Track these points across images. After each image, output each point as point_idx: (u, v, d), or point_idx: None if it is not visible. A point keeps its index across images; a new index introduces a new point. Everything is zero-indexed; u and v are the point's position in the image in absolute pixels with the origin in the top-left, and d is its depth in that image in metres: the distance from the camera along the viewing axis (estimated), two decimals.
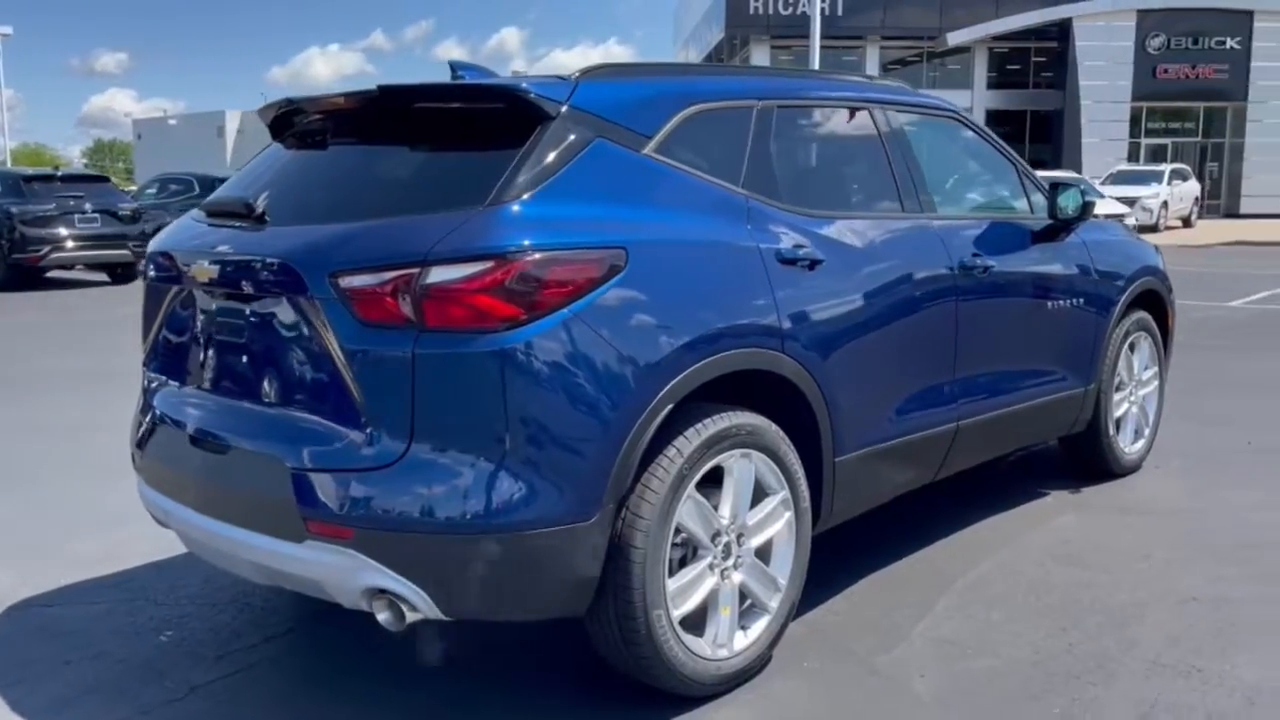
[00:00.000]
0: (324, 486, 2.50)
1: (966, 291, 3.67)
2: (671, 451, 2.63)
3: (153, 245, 3.15)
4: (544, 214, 2.54)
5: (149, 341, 3.15)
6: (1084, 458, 4.72)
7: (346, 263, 2.49)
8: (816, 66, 21.91)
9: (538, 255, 2.45)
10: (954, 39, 36.26)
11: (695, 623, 2.78)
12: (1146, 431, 4.99)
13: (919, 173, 3.70)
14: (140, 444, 3.10)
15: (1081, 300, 4.33)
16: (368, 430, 2.47)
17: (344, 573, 2.50)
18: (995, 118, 37.26)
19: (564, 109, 2.69)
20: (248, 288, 2.71)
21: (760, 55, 39.24)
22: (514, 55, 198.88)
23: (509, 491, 2.42)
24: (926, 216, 3.65)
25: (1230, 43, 35.61)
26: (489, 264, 2.40)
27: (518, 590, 2.51)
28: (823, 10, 37.35)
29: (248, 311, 2.72)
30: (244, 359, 2.75)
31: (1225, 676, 2.89)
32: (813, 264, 3.06)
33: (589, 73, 2.88)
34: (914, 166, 3.69)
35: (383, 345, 2.45)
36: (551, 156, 2.61)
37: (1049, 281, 4.18)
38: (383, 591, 2.49)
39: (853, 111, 3.62)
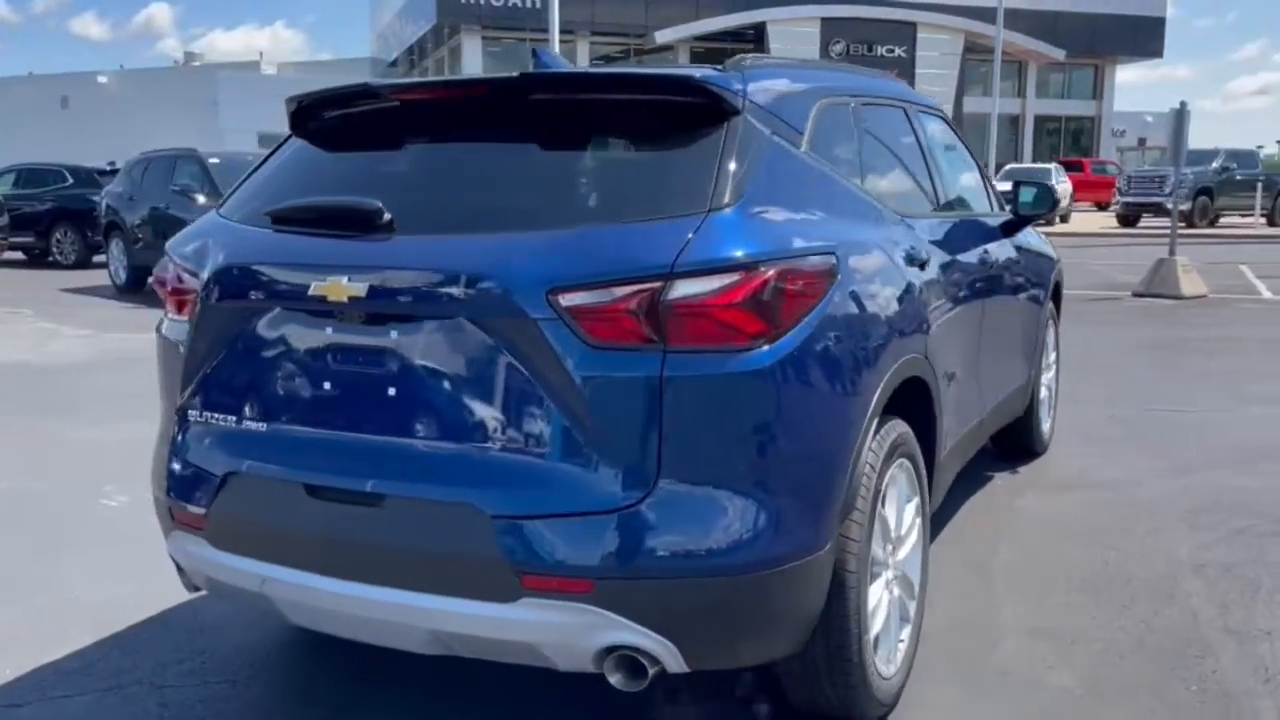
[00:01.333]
0: (546, 535, 2.15)
1: (988, 286, 3.80)
2: (866, 468, 2.49)
3: (218, 260, 2.54)
4: (767, 219, 2.35)
5: (200, 375, 2.57)
6: (1016, 440, 5.02)
7: (571, 277, 2.15)
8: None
9: (782, 264, 2.24)
10: (661, 37, 37.56)
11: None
12: (1051, 412, 5.41)
13: (941, 171, 3.78)
14: (197, 500, 2.53)
15: (1032, 291, 4.61)
16: (603, 466, 2.15)
17: (576, 632, 2.17)
18: None
19: (745, 103, 2.47)
20: (416, 308, 2.27)
21: (472, 47, 38.75)
22: (165, 34, 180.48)
23: (767, 523, 2.20)
24: (958, 214, 3.74)
25: (899, 50, 39.38)
26: (737, 275, 2.16)
27: (765, 631, 2.29)
28: (532, 3, 37.82)
29: (412, 335, 2.28)
30: (402, 391, 2.29)
31: None
32: (922, 265, 3.03)
33: (740, 63, 2.68)
34: (939, 165, 3.76)
35: (621, 369, 2.14)
36: (747, 156, 2.39)
37: (1021, 273, 4.40)
38: (618, 649, 2.18)
39: (903, 110, 3.62)
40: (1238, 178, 26.26)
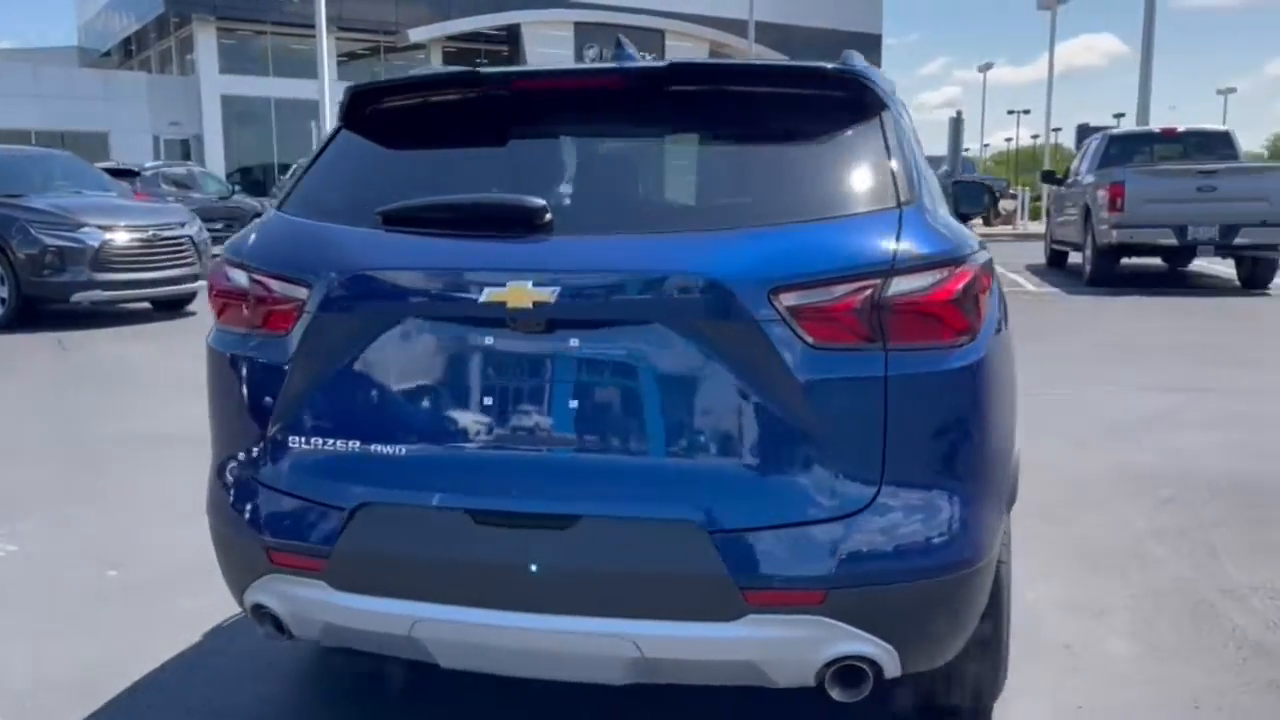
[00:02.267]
0: (772, 547, 2.05)
1: None
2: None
3: (344, 264, 2.22)
4: (941, 214, 2.35)
5: (311, 396, 2.25)
6: None
7: (793, 276, 2.06)
8: (322, 56, 20.80)
9: (974, 259, 2.22)
10: (415, 35, 36.67)
11: None
12: None
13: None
14: (312, 537, 2.21)
15: None
16: (828, 471, 2.06)
17: (804, 646, 2.07)
18: None
19: (889, 98, 2.44)
20: (611, 313, 2.10)
21: (206, 39, 36.16)
22: None
23: (975, 520, 2.18)
24: None
25: (648, 56, 40.21)
26: (946, 271, 2.13)
27: (965, 626, 2.26)
28: None
29: (604, 343, 2.11)
30: (592, 402, 2.12)
31: None
32: None
33: (852, 57, 2.66)
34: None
35: (845, 369, 2.06)
36: (904, 150, 2.36)
37: None
38: (843, 660, 2.09)
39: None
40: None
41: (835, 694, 2.13)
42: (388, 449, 2.19)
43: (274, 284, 2.30)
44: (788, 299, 2.04)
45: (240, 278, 2.36)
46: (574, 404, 2.11)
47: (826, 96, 2.39)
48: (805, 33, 45.33)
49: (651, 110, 2.42)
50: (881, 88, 2.43)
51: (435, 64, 39.81)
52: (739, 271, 2.06)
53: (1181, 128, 14.74)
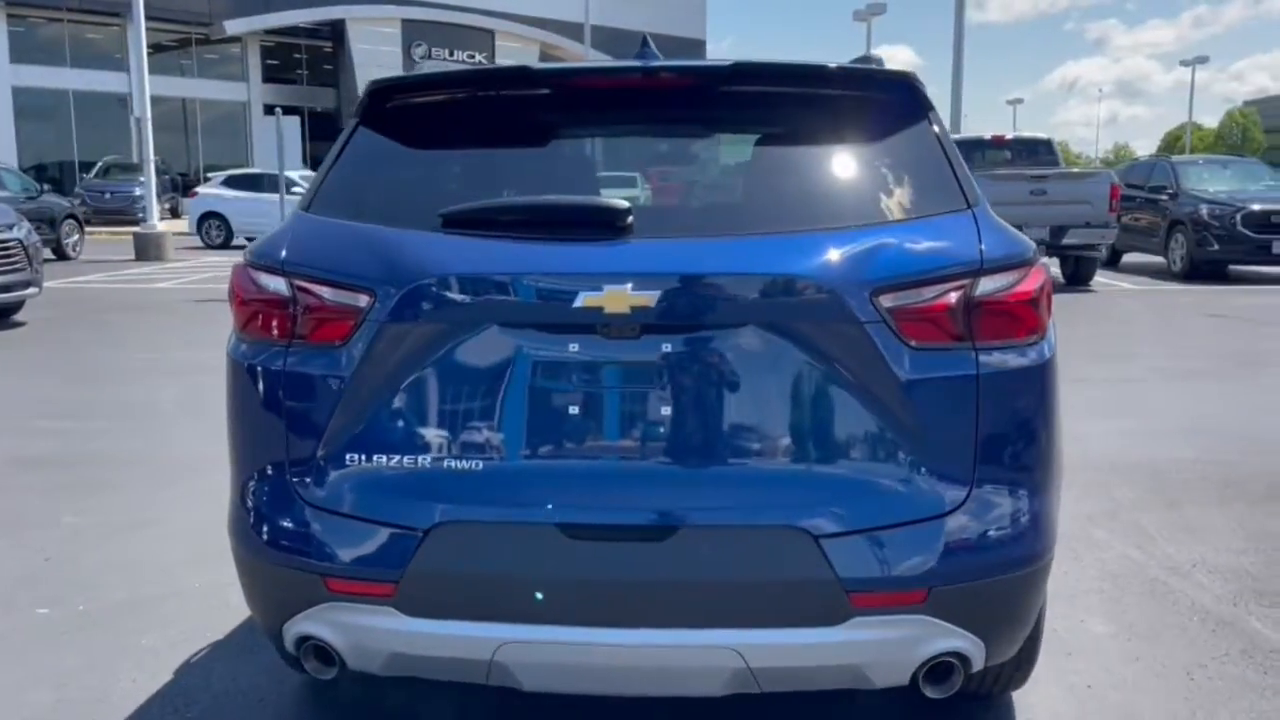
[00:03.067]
0: (877, 549, 2.05)
1: None
2: None
3: (414, 269, 2.07)
4: (1000, 215, 2.37)
5: (372, 411, 2.10)
6: None
7: (891, 277, 2.07)
8: (137, 45, 19.40)
9: (1041, 259, 2.28)
10: (231, 28, 34.88)
11: None
12: None
13: None
14: (379, 562, 2.06)
15: None
16: (927, 471, 2.08)
17: (906, 645, 2.08)
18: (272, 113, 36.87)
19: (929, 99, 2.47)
20: (709, 317, 2.05)
21: None
22: None
23: (1050, 513, 2.25)
24: None
25: (479, 56, 39.93)
26: (1022, 271, 2.19)
27: (1034, 616, 2.33)
28: None
29: (699, 347, 2.06)
30: (687, 409, 2.06)
31: None
32: None
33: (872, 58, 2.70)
34: None
35: (941, 369, 2.09)
36: (954, 151, 2.40)
37: None
38: (939, 657, 2.10)
39: None
40: None
41: (928, 691, 2.15)
42: (466, 464, 2.07)
43: (325, 291, 2.13)
44: (887, 300, 2.06)
45: (275, 284, 2.19)
46: (669, 411, 2.05)
47: (882, 98, 2.41)
48: (633, 36, 45.58)
49: (712, 109, 2.38)
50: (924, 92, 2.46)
51: (254, 59, 38.06)
52: (843, 274, 2.06)
53: (1009, 135, 15.73)
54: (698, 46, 49.54)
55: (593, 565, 2.02)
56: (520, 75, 2.34)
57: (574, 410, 2.06)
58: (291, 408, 2.15)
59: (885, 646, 2.08)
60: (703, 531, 2.02)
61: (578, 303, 2.01)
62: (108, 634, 3.19)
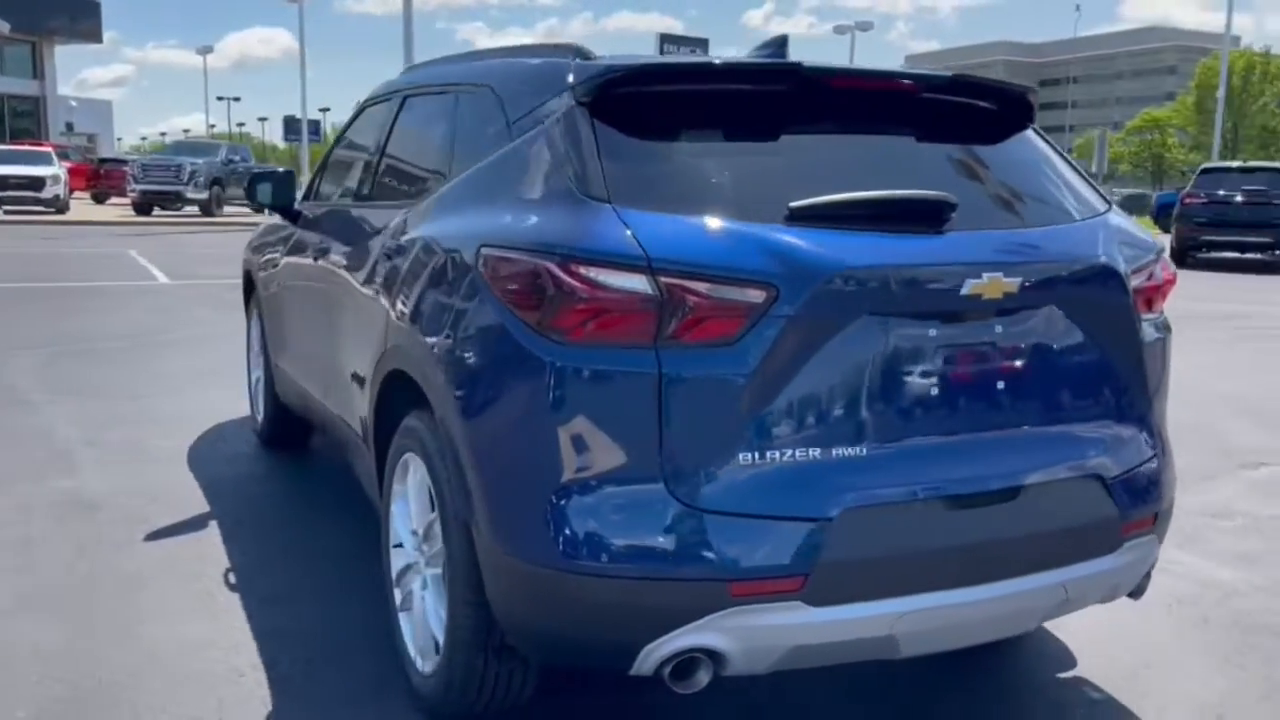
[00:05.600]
0: (1138, 486, 2.49)
1: None
2: None
3: (818, 267, 2.14)
4: None
5: (767, 408, 2.13)
6: None
7: (1134, 264, 2.55)
8: None
9: None
10: None
11: None
12: None
13: None
14: (786, 558, 2.10)
15: None
16: (1150, 420, 2.59)
17: (1140, 563, 2.54)
18: None
19: None
20: (1040, 298, 2.35)
21: None
22: None
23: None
24: None
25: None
26: (1156, 257, 2.68)
27: None
28: None
29: (1023, 325, 2.35)
30: (1016, 381, 2.35)
31: None
32: None
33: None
34: None
35: (1153, 336, 2.61)
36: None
37: None
38: (1152, 567, 2.62)
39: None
40: (240, 169, 26.81)
41: (1135, 597, 2.64)
42: (857, 450, 2.19)
43: (709, 288, 2.10)
44: (1134, 281, 2.52)
45: (633, 282, 2.10)
46: (1008, 384, 2.34)
47: (1026, 111, 2.75)
48: None
49: (930, 114, 2.63)
50: None
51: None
52: (1120, 257, 2.50)
53: None
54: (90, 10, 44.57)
55: (966, 531, 2.24)
56: (790, 71, 2.47)
57: (939, 390, 2.25)
58: (670, 412, 2.09)
59: (1132, 566, 2.50)
60: (1039, 488, 2.32)
61: (964, 290, 2.22)
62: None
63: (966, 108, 2.69)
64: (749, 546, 2.10)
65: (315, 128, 33.98)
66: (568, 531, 2.14)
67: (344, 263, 3.51)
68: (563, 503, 2.15)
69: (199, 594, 3.47)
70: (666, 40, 29.14)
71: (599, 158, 2.32)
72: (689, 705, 2.56)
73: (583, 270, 2.14)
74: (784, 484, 2.14)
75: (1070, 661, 3.06)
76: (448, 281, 2.54)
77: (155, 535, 4.00)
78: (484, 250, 2.38)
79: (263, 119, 64.12)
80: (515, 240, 2.32)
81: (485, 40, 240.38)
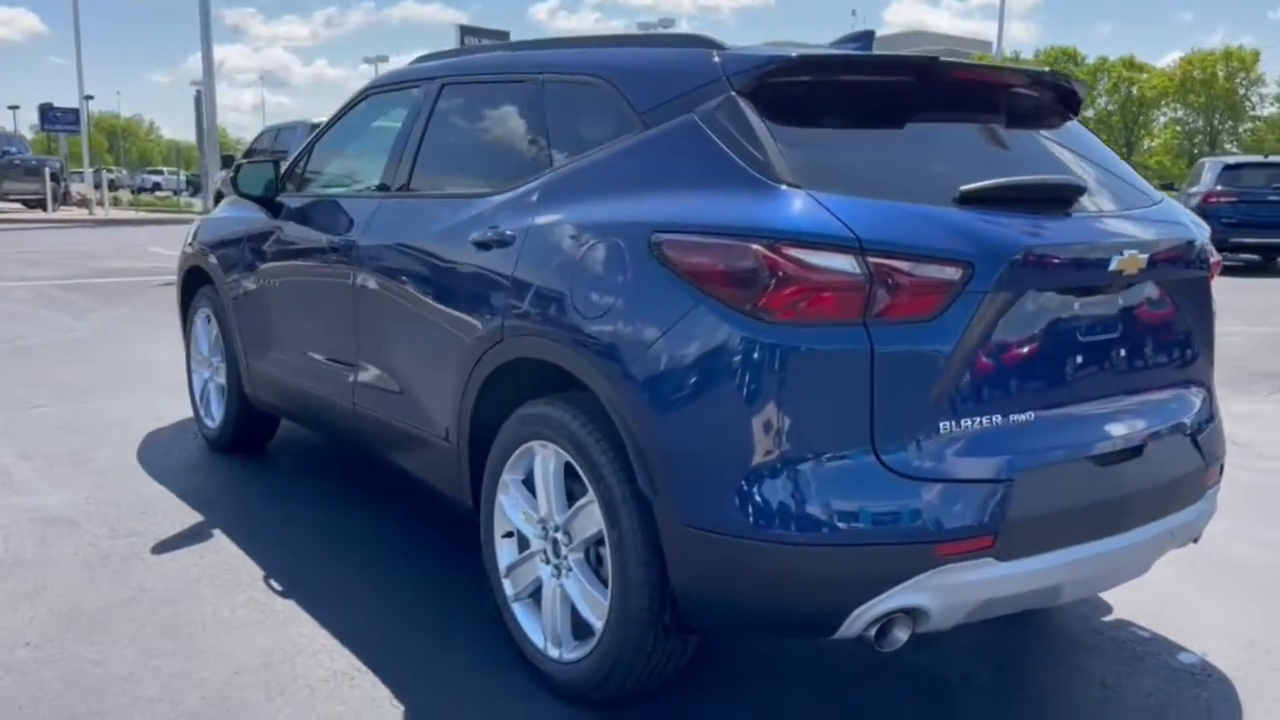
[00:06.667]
0: (1208, 442, 2.75)
1: None
2: None
3: (1008, 247, 2.33)
4: None
5: (960, 379, 2.29)
6: None
7: (1204, 234, 2.88)
8: None
9: None
10: None
11: None
12: None
13: None
14: (980, 518, 2.26)
15: None
16: (1210, 380, 2.87)
17: (1211, 510, 2.83)
18: None
19: None
20: (1154, 273, 2.60)
21: None
22: None
23: None
24: None
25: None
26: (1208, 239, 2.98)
27: None
28: None
29: (1136, 297, 2.61)
30: (1134, 345, 2.61)
31: None
32: None
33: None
34: None
35: (1214, 305, 2.91)
36: None
37: None
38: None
39: None
40: (17, 161, 26.60)
41: (1196, 541, 2.86)
42: (1028, 415, 2.38)
43: (913, 267, 2.23)
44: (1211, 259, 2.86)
45: (843, 263, 2.20)
46: (1128, 352, 2.60)
47: (1078, 102, 3.03)
48: None
49: (1030, 104, 2.88)
50: None
51: None
52: (1200, 239, 2.80)
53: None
54: None
55: (1110, 486, 2.46)
56: (927, 65, 2.60)
57: (1082, 359, 2.48)
58: (880, 384, 2.21)
59: (1206, 513, 2.80)
60: (1155, 443, 2.58)
61: (1111, 266, 2.46)
62: None
63: (1049, 98, 2.93)
64: (950, 509, 2.23)
65: (74, 117, 31.49)
66: (780, 504, 2.22)
67: (396, 256, 3.41)
68: (775, 476, 2.23)
69: (250, 603, 3.31)
70: (467, 33, 28.90)
71: (775, 144, 2.41)
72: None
73: (794, 252, 2.21)
74: (976, 449, 2.29)
75: (1106, 607, 3.38)
76: (602, 267, 2.55)
77: (164, 548, 3.76)
78: (661, 236, 2.41)
79: (14, 107, 58.87)
80: (705, 225, 2.37)
81: (262, 29, 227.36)
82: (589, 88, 2.93)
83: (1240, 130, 74.63)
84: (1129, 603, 3.35)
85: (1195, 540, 2.86)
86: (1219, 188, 15.81)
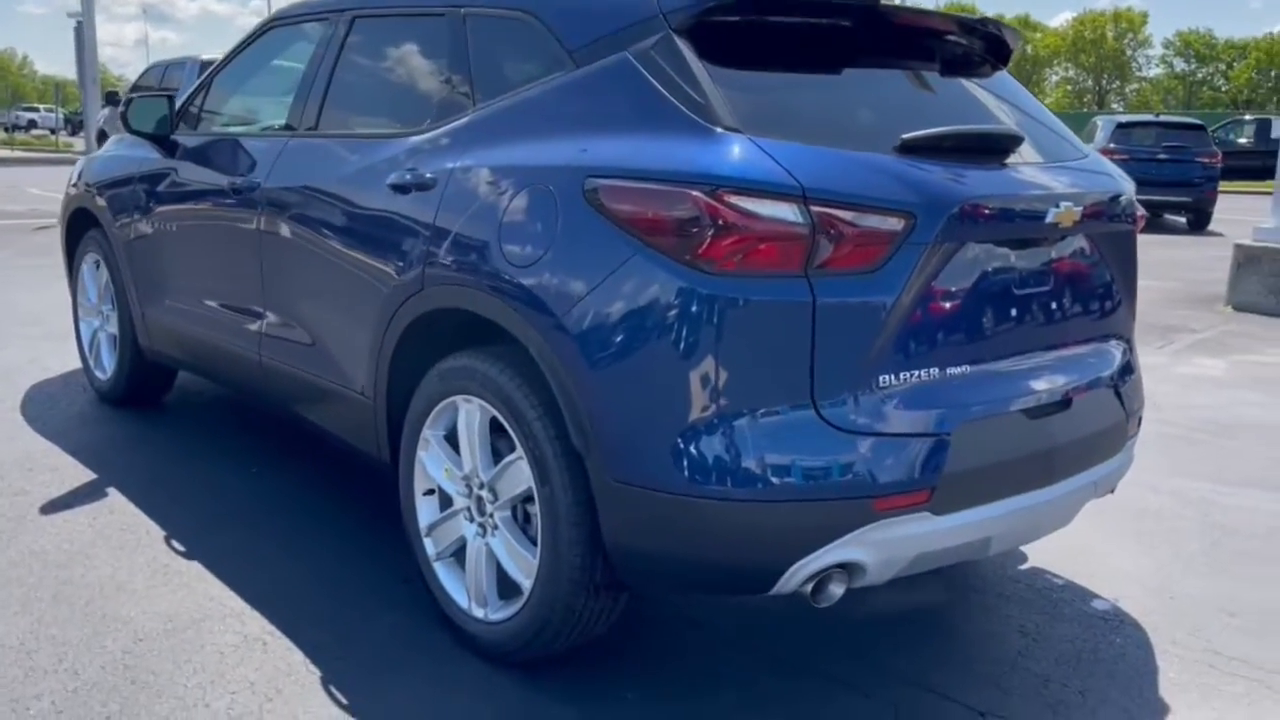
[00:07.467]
0: (1130, 394, 2.80)
1: None
2: None
3: (951, 197, 2.29)
4: None
5: (899, 333, 2.24)
6: None
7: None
8: None
9: None
10: None
11: None
12: None
13: None
14: (917, 471, 2.23)
15: None
16: (1132, 334, 2.93)
17: (1129, 461, 2.88)
18: None
19: None
20: (1084, 226, 2.59)
21: None
22: None
23: None
24: None
25: None
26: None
27: None
28: None
29: (1064, 250, 2.60)
30: (1060, 299, 2.59)
31: None
32: None
33: None
34: None
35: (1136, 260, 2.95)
36: None
37: None
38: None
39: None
40: None
41: (1111, 492, 2.92)
42: (967, 369, 2.38)
43: (856, 217, 2.17)
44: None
45: (785, 211, 2.12)
46: (1056, 305, 2.60)
47: (1008, 51, 3.00)
48: None
49: (964, 53, 2.85)
50: None
51: None
52: (1129, 193, 2.82)
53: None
54: None
55: (1041, 438, 2.45)
56: (867, 8, 2.55)
57: (1016, 312, 2.47)
58: (820, 338, 2.15)
59: (1124, 464, 2.83)
60: (1082, 398, 2.58)
61: (1048, 218, 2.45)
62: None
63: (980, 47, 2.89)
64: (887, 464, 2.20)
65: None
66: (717, 459, 2.16)
67: (303, 200, 3.22)
68: (713, 431, 2.16)
69: (151, 566, 3.13)
70: None
71: (715, 86, 2.31)
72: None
73: (736, 200, 2.13)
74: (914, 403, 2.26)
75: (1021, 555, 3.45)
76: (532, 213, 2.43)
77: (54, 508, 3.54)
78: (596, 181, 2.30)
79: None
80: (643, 170, 2.26)
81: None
82: (515, 23, 2.78)
83: (1127, 90, 77.24)
84: (1042, 551, 3.42)
85: (1112, 491, 2.90)
86: (1112, 145, 16.02)
